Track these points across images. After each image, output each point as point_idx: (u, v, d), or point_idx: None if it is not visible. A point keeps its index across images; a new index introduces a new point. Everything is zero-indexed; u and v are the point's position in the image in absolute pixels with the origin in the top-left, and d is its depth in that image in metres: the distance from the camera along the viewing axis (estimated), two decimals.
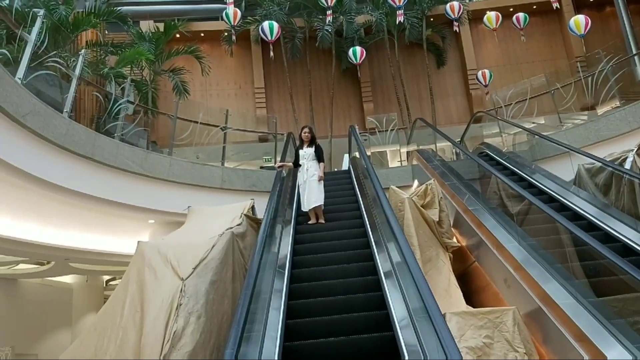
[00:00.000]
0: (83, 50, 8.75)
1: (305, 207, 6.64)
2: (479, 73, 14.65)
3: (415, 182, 9.12)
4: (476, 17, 16.13)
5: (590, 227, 5.47)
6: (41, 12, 7.14)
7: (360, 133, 10.43)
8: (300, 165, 6.94)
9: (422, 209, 6.07)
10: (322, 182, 6.72)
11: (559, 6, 14.45)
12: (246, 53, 16.47)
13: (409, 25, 15.10)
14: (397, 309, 3.85)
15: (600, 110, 10.50)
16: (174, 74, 13.74)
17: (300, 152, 6.98)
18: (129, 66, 12.51)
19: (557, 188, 6.79)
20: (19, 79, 6.11)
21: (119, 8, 13.13)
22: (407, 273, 3.43)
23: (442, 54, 16.59)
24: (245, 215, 5.62)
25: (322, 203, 6.60)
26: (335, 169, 13.14)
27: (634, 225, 5.10)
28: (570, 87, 11.04)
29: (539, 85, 12.12)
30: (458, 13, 14.31)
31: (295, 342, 3.81)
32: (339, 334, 3.82)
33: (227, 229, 4.92)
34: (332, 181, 8.46)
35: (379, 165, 12.09)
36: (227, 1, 13.39)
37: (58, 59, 7.65)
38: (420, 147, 11.25)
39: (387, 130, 12.60)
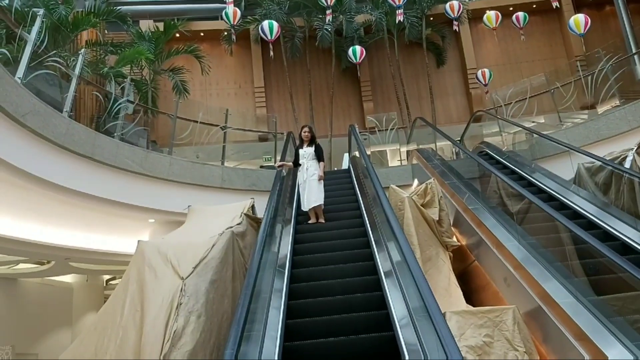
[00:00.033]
0: (83, 50, 8.76)
1: (305, 207, 6.63)
2: (479, 72, 14.64)
3: (415, 181, 9.12)
4: (476, 16, 16.10)
5: (590, 225, 5.48)
6: (41, 11, 7.14)
7: (360, 132, 10.41)
8: (300, 165, 6.93)
9: (422, 208, 6.07)
10: (322, 181, 6.71)
11: (558, 5, 14.40)
12: (246, 52, 16.45)
13: (409, 25, 15.07)
14: (397, 308, 3.85)
15: (600, 109, 10.51)
16: (173, 74, 13.71)
17: (300, 151, 6.98)
18: (129, 66, 12.49)
19: (557, 187, 6.79)
20: (19, 78, 6.11)
21: (118, 7, 13.15)
22: (407, 272, 3.42)
23: (441, 53, 16.57)
24: (245, 214, 5.62)
25: (322, 202, 6.59)
26: (335, 168, 13.13)
27: (634, 224, 5.10)
28: (570, 86, 11.04)
29: (538, 85, 12.11)
30: (458, 12, 14.28)
31: (295, 342, 3.81)
32: (339, 334, 3.81)
33: (227, 228, 4.92)
34: (332, 180, 8.46)
35: (378, 165, 12.09)
36: (227, 0, 13.38)
37: (58, 59, 7.65)
38: (420, 146, 11.23)
39: (387, 129, 12.59)
